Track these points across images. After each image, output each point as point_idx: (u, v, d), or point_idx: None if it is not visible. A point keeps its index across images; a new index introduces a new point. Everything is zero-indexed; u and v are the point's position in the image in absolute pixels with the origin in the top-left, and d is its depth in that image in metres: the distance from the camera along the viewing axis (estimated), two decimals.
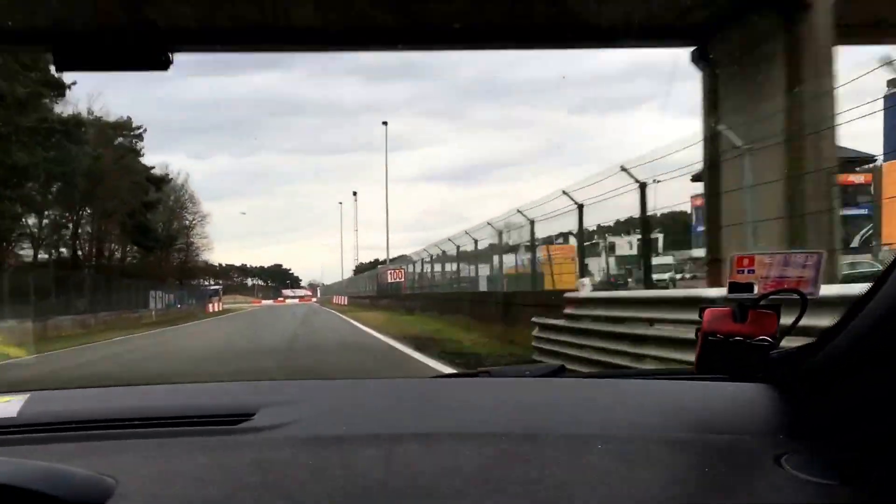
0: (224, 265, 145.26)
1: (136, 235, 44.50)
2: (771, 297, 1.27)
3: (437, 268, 31.68)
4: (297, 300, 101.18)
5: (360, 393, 1.57)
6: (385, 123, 53.79)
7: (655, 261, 20.28)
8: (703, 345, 1.30)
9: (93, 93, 39.47)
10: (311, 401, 1.43)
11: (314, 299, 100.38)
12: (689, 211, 23.20)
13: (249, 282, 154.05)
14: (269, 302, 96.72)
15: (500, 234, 19.89)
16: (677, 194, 12.90)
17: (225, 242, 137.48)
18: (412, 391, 1.57)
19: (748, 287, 1.28)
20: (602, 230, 17.78)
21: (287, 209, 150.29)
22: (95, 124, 39.18)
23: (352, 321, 29.23)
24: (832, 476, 0.97)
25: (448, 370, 7.70)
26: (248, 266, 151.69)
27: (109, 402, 1.55)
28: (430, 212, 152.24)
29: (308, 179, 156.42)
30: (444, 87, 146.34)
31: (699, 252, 24.36)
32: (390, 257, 55.23)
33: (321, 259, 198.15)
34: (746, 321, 1.26)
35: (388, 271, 36.91)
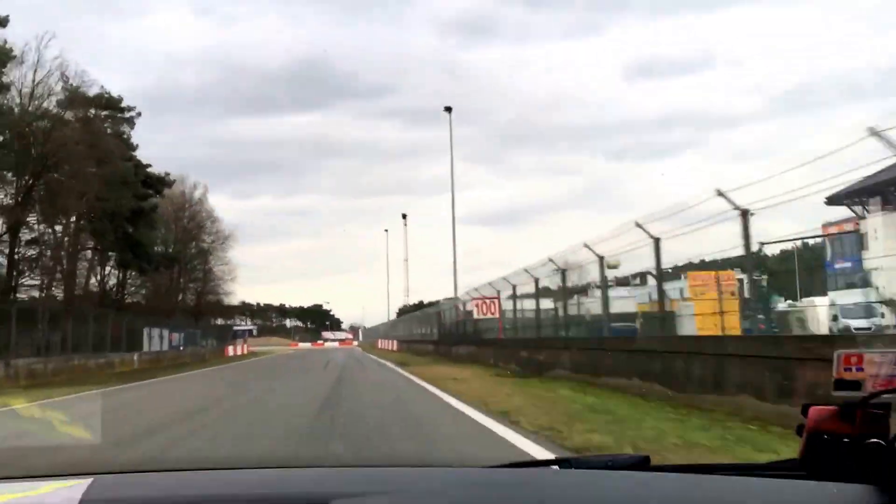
0: (262, 304, 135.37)
1: (121, 250, 32.38)
2: (883, 396, 1.19)
3: (527, 304, 21.84)
4: (336, 343, 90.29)
5: (431, 484, 1.51)
6: (448, 110, 40.92)
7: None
8: (807, 443, 1.26)
9: None
10: (384, 493, 1.36)
11: (355, 343, 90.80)
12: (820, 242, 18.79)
13: (288, 323, 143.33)
14: (307, 345, 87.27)
15: (601, 260, 14.69)
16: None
17: (265, 284, 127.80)
18: (486, 483, 1.48)
19: (856, 385, 1.22)
20: (691, 266, 14.76)
21: (328, 250, 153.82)
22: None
23: (429, 388, 15.70)
24: None
25: None
26: (287, 306, 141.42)
27: (176, 489, 1.51)
28: (470, 254, 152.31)
29: (348, 221, 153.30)
30: (484, 131, 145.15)
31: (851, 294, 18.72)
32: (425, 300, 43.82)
33: (361, 302, 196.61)
34: (855, 421, 1.21)
35: (477, 302, 23.53)
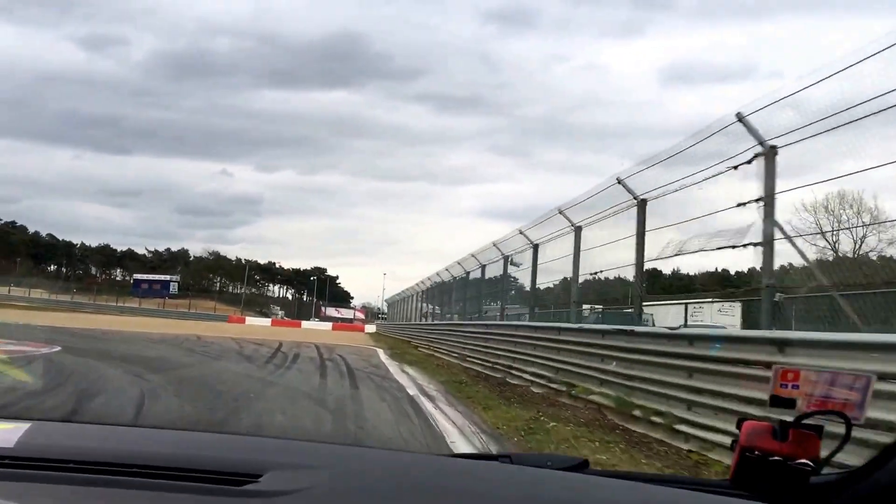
0: (245, 261, 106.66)
1: None
2: (815, 416, 1.22)
3: None
4: (329, 326, 59.82)
5: (371, 465, 1.49)
6: None
7: None
8: (739, 459, 1.26)
9: None
10: (321, 468, 1.35)
11: (367, 329, 54.85)
12: None
13: (276, 290, 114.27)
14: (261, 323, 56.44)
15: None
16: None
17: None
18: (427, 469, 1.52)
19: (791, 403, 1.24)
20: None
21: (344, 231, 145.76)
22: None
23: None
24: None
25: None
26: (278, 266, 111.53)
27: (112, 442, 1.50)
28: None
29: (368, 203, 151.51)
30: (514, 124, 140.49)
31: None
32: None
33: (376, 286, 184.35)
34: (787, 440, 1.22)
35: None
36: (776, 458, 1.21)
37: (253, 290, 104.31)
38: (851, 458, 1.31)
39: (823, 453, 1.24)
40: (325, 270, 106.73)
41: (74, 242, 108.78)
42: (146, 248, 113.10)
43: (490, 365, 15.32)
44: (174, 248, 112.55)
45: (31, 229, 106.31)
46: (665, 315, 17.04)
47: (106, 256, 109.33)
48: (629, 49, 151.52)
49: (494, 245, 17.33)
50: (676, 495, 1.37)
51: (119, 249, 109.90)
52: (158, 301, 72.24)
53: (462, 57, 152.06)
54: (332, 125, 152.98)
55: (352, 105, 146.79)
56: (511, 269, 17.10)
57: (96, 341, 19.65)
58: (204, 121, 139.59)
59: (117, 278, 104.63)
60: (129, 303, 69.47)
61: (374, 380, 13.06)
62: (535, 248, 14.57)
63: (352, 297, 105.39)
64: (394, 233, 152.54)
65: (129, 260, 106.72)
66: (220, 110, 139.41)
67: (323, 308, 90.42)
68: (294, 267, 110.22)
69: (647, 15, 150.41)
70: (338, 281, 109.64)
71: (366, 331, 53.82)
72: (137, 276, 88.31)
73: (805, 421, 1.22)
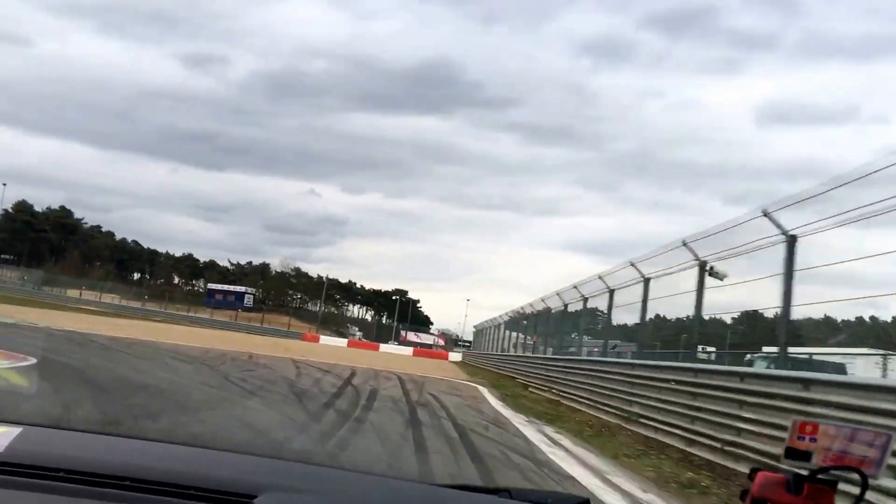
0: (325, 277, 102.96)
1: None
2: (831, 471, 1.18)
3: None
4: (410, 352, 53.57)
5: (366, 492, 1.45)
6: None
7: None
8: None
9: None
10: (316, 492, 1.36)
11: (451, 357, 49.04)
12: None
13: (355, 310, 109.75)
14: (336, 343, 51.83)
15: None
16: None
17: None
18: (424, 500, 1.47)
19: (806, 456, 1.20)
20: None
21: (426, 256, 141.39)
22: None
23: None
24: None
25: None
26: (357, 287, 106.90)
27: (104, 452, 1.46)
28: (563, 282, 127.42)
29: (451, 229, 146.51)
30: (602, 157, 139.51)
31: None
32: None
33: (454, 313, 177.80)
34: (801, 494, 1.18)
35: None
36: None
37: (331, 308, 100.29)
38: None
39: None
40: (406, 293, 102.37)
41: (159, 251, 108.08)
42: (228, 261, 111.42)
43: (665, 430, 9.55)
44: (256, 263, 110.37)
45: (119, 236, 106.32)
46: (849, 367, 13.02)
47: (188, 266, 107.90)
48: (726, 87, 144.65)
49: (600, 278, 15.70)
50: None
51: (202, 260, 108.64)
52: (231, 313, 68.32)
53: (555, 88, 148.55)
54: (420, 150, 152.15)
55: (441, 131, 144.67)
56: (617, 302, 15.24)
57: (102, 353, 14.43)
58: (296, 140, 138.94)
59: (198, 289, 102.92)
60: (200, 313, 65.70)
61: (513, 460, 7.04)
62: (647, 282, 12.92)
63: (431, 322, 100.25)
64: (475, 260, 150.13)
65: (211, 271, 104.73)
66: (311, 131, 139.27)
67: (403, 331, 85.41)
68: (375, 287, 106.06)
69: (747, 54, 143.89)
70: (419, 305, 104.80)
71: (450, 359, 47.71)
72: (212, 286, 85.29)
73: (820, 476, 1.17)
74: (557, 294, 20.16)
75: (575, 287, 17.92)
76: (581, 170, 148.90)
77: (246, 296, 79.16)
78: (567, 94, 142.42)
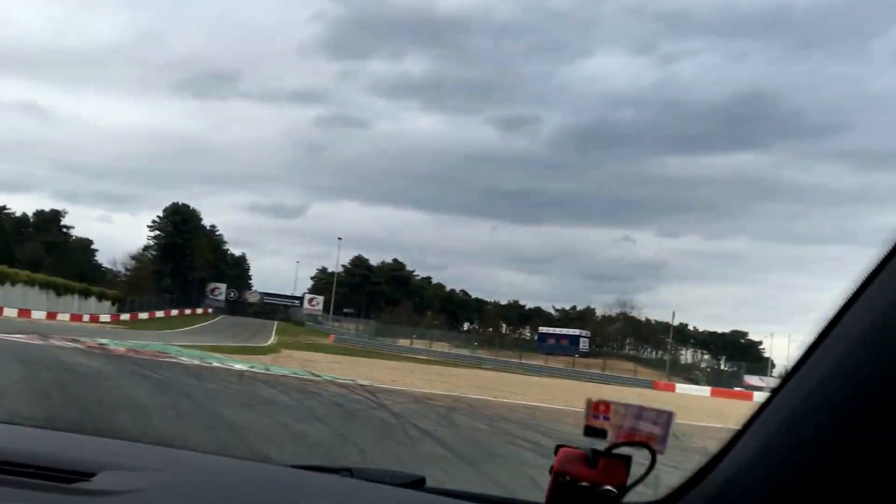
0: (657, 321, 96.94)
1: None
2: (622, 448, 1.25)
3: None
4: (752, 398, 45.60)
5: (210, 471, 1.47)
6: None
7: None
8: (553, 484, 1.29)
9: None
10: (155, 470, 1.35)
11: None
12: None
13: (690, 355, 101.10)
14: (701, 393, 44.70)
15: None
16: None
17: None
18: (264, 480, 1.47)
19: (602, 433, 1.26)
20: None
21: (752, 297, 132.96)
22: None
23: None
24: None
25: None
26: (689, 329, 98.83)
27: None
28: None
29: (778, 268, 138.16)
30: None
31: None
32: None
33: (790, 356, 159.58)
34: (598, 467, 1.25)
35: None
36: (585, 483, 1.24)
37: (664, 353, 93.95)
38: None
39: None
40: (746, 334, 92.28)
41: (486, 300, 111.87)
42: (553, 307, 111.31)
43: None
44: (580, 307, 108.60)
45: (448, 288, 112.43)
46: None
47: (515, 312, 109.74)
48: None
49: None
50: None
51: (527, 307, 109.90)
52: (566, 359, 65.67)
53: (887, 108, 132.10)
54: (737, 188, 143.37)
55: (759, 166, 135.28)
56: None
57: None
58: (607, 189, 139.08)
59: (524, 336, 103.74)
60: (533, 360, 64.20)
61: None
62: None
63: (773, 365, 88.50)
64: (809, 300, 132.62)
65: (536, 317, 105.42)
66: (622, 178, 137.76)
67: (745, 376, 75.99)
68: (709, 329, 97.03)
69: None
70: (760, 346, 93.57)
71: None
72: (543, 329, 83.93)
73: (616, 451, 1.24)
74: None
75: None
76: None
77: (581, 339, 75.99)
78: None
